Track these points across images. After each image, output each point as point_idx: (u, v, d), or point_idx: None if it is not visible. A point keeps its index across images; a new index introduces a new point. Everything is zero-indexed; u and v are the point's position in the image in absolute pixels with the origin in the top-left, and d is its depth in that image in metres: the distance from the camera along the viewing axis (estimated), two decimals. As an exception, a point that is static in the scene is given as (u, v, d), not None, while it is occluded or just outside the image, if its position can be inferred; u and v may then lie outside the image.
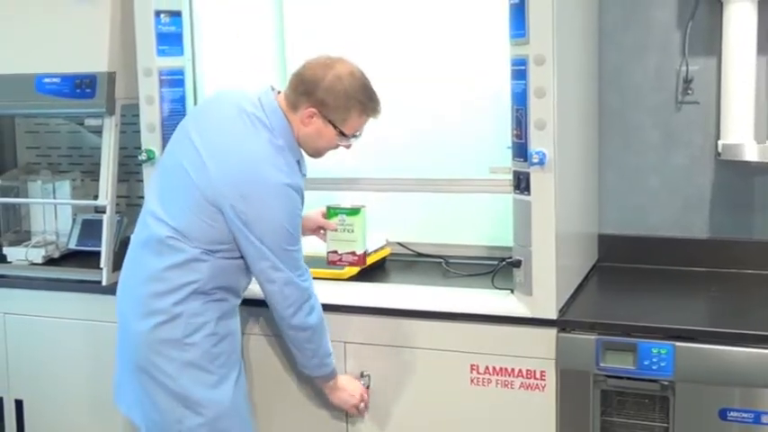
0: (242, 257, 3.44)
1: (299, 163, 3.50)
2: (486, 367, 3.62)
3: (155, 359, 3.38)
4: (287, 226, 3.37)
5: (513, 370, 3.58)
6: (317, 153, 3.60)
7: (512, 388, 3.59)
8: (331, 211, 3.99)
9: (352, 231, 3.97)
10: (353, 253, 3.99)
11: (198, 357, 3.39)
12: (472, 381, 3.64)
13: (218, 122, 3.49)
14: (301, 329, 3.49)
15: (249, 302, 3.73)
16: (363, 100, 3.46)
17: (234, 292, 3.54)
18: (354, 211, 3.97)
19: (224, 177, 3.34)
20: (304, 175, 3.54)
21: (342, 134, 3.49)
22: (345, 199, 4.07)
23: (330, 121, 3.44)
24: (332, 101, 3.41)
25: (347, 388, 3.73)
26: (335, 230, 3.99)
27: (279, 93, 3.54)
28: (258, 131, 3.40)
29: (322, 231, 4.02)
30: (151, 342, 3.38)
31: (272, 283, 3.41)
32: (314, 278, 3.64)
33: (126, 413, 3.64)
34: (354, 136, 3.55)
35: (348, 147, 3.61)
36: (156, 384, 3.40)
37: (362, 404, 3.76)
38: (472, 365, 3.63)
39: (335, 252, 4.00)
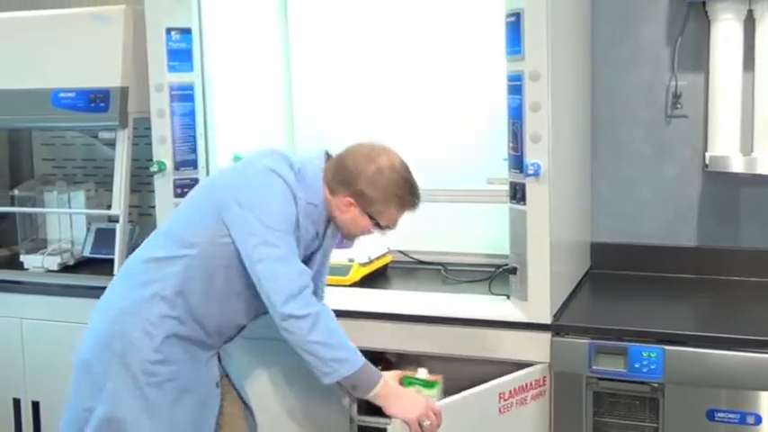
0: (213, 269, 3.20)
1: (318, 234, 3.35)
2: (510, 391, 3.52)
3: (100, 349, 3.23)
4: (282, 209, 3.14)
5: (526, 386, 3.54)
6: (350, 236, 3.45)
7: (526, 404, 3.56)
8: (407, 380, 3.53)
9: None
10: None
11: (134, 363, 3.16)
12: (500, 410, 3.56)
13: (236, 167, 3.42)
14: (296, 318, 3.05)
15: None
16: (403, 195, 3.26)
17: (197, 320, 3.23)
18: (431, 384, 3.54)
19: (230, 179, 3.29)
20: (318, 247, 3.39)
21: (378, 225, 3.31)
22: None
23: (367, 213, 3.27)
24: (371, 194, 3.22)
25: (402, 396, 3.25)
26: None
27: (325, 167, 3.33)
28: (278, 165, 3.24)
29: None
30: (106, 333, 3.23)
31: (262, 262, 3.08)
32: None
33: None
34: (389, 227, 3.35)
35: (383, 234, 3.45)
36: (86, 370, 3.26)
37: (428, 422, 3.19)
38: (500, 394, 3.55)
39: None
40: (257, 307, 3.25)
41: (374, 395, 3.17)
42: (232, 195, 3.17)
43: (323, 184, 3.28)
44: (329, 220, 3.36)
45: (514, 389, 3.51)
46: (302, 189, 3.23)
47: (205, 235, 3.19)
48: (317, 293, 3.43)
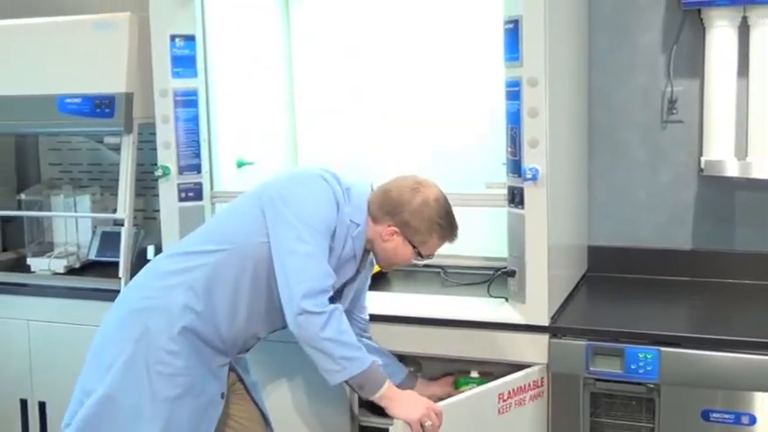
0: (243, 273, 3.22)
1: (356, 257, 3.37)
2: (509, 392, 3.51)
3: (117, 331, 3.25)
4: (321, 211, 3.21)
5: (524, 386, 3.54)
6: (388, 266, 3.54)
7: (524, 405, 3.55)
8: (461, 381, 3.69)
9: None
10: None
11: (149, 347, 3.16)
12: (499, 411, 3.56)
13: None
14: (310, 314, 3.07)
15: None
16: (445, 226, 3.37)
17: (216, 321, 3.23)
18: (483, 381, 3.60)
19: (278, 181, 3.35)
20: (355, 276, 3.42)
21: (419, 254, 3.40)
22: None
23: (410, 242, 3.35)
24: (416, 224, 3.32)
25: (404, 397, 3.24)
26: None
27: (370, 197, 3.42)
28: (332, 179, 3.33)
29: None
30: (125, 317, 3.26)
31: (293, 255, 3.14)
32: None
33: None
34: (429, 256, 3.46)
35: (421, 262, 3.53)
36: (98, 351, 3.27)
37: (429, 422, 3.19)
38: (499, 395, 3.52)
39: None
40: (277, 319, 3.25)
41: (379, 396, 3.18)
42: (277, 191, 3.26)
43: (365, 202, 3.37)
44: (367, 249, 3.41)
45: (513, 390, 3.50)
46: (348, 205, 3.31)
47: (245, 233, 3.25)
48: (360, 327, 3.58)
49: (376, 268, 3.68)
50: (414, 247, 3.37)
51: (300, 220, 3.16)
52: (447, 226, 3.38)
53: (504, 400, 3.50)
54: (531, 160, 3.47)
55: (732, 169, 3.94)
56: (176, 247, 3.45)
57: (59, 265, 4.61)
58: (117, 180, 4.39)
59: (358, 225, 3.33)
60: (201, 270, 3.22)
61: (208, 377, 3.26)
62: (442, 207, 3.36)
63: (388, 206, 3.33)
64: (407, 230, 3.33)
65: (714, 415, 3.30)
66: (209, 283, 3.21)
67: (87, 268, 4.68)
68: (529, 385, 3.55)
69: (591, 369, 3.45)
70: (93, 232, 4.75)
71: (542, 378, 3.56)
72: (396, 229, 3.33)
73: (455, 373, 3.74)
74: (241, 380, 3.48)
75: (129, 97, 4.26)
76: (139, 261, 4.04)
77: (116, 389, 3.18)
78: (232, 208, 3.45)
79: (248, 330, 3.32)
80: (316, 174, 3.30)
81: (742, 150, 3.97)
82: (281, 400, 3.91)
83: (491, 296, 3.78)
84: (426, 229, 3.33)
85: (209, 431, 3.29)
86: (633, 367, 3.38)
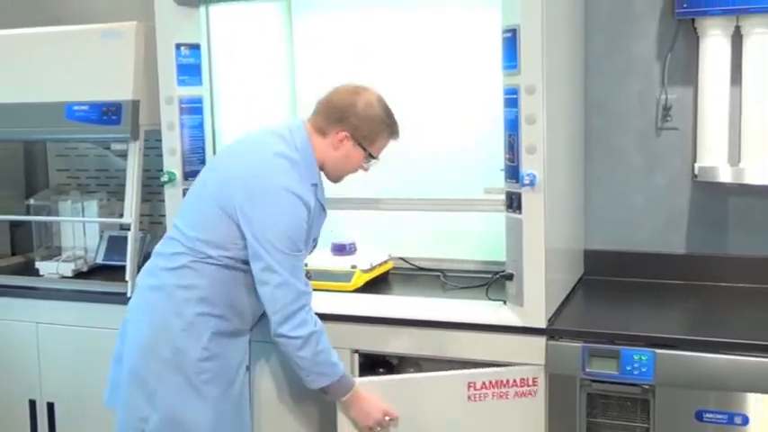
0: (242, 270, 3.35)
1: (316, 186, 3.44)
2: (483, 383, 3.57)
3: (145, 354, 3.31)
4: (287, 231, 3.26)
5: (507, 381, 3.57)
6: (338, 177, 3.59)
7: (507, 399, 3.58)
8: None
9: None
10: None
11: (184, 365, 3.28)
12: (470, 398, 3.60)
13: (238, 142, 3.54)
14: (287, 338, 3.27)
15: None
16: (390, 123, 3.52)
17: (237, 312, 3.40)
18: None
19: (234, 177, 3.33)
20: (321, 203, 3.49)
21: (369, 156, 3.52)
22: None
23: (360, 145, 3.47)
24: (364, 125, 3.44)
25: (364, 406, 3.49)
26: None
27: (305, 121, 3.53)
28: (276, 142, 3.38)
29: None
30: (144, 340, 3.32)
31: (264, 285, 3.26)
32: (320, 290, 3.66)
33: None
34: (377, 157, 3.57)
35: (367, 169, 3.61)
36: (138, 382, 3.32)
37: (379, 428, 3.52)
38: (470, 384, 3.60)
39: None
40: None
41: (341, 401, 3.49)
42: (243, 211, 3.27)
43: (305, 132, 3.45)
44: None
45: (490, 382, 3.56)
46: (307, 174, 3.38)
47: (222, 249, 3.31)
48: None
49: (371, 275, 3.73)
50: (364, 149, 3.49)
51: (270, 247, 3.24)
52: (393, 124, 3.54)
53: (477, 389, 3.56)
54: (528, 166, 3.48)
55: (725, 175, 3.94)
56: (171, 248, 3.43)
57: (67, 269, 4.62)
58: (123, 186, 4.39)
59: (315, 185, 3.43)
60: (203, 281, 3.32)
61: (237, 358, 3.45)
62: (384, 106, 3.51)
63: (334, 113, 3.45)
64: (357, 132, 3.45)
65: (707, 415, 3.30)
66: (216, 290, 3.33)
67: (94, 272, 4.69)
68: (514, 381, 3.56)
69: (587, 370, 3.45)
70: (101, 236, 4.76)
71: (534, 378, 3.55)
72: (346, 133, 3.44)
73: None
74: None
75: (135, 104, 4.26)
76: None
77: (170, 412, 3.30)
78: (202, 207, 3.41)
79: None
80: (281, 189, 3.28)
81: (735, 157, 3.98)
82: (281, 401, 3.92)
83: (490, 299, 3.77)
84: (375, 129, 3.48)
85: (247, 404, 3.55)
86: (628, 369, 3.38)
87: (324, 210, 3.53)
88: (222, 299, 3.34)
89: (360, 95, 3.46)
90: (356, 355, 3.80)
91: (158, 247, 3.51)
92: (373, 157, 3.55)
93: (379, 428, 3.52)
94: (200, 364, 3.29)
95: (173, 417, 3.30)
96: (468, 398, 3.58)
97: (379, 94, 3.53)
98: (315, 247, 3.64)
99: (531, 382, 3.56)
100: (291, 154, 3.36)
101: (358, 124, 3.43)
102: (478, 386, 3.58)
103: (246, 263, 3.32)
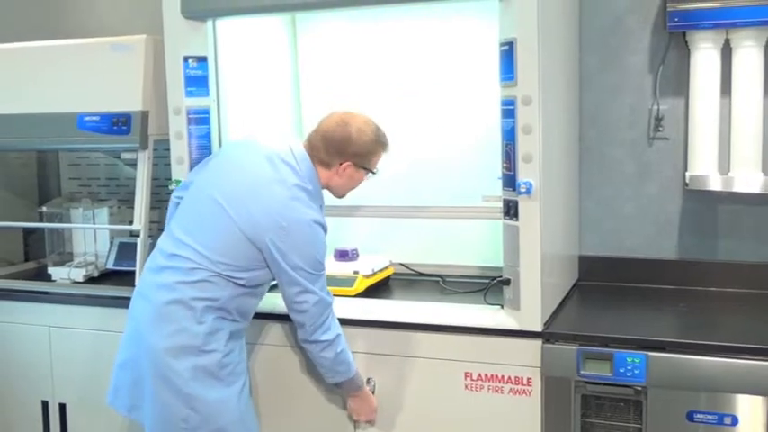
0: (257, 287, 3.52)
1: (322, 207, 3.55)
2: (479, 374, 3.62)
3: (172, 363, 3.36)
4: (317, 255, 3.44)
5: (502, 377, 3.60)
6: (344, 195, 3.73)
7: (502, 393, 3.60)
8: None
9: None
10: None
11: (211, 364, 3.39)
12: (466, 386, 3.65)
13: (250, 165, 3.53)
14: (317, 343, 3.50)
15: (260, 315, 3.80)
16: (382, 141, 3.63)
17: (245, 317, 3.57)
18: None
19: (265, 214, 3.38)
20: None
21: (370, 172, 3.65)
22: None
23: (362, 167, 3.60)
24: (362, 151, 3.56)
25: (366, 401, 3.77)
26: None
27: (306, 144, 3.61)
28: (290, 174, 3.46)
29: None
30: (169, 348, 3.37)
31: (302, 305, 3.44)
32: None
33: (126, 414, 3.64)
34: (376, 172, 3.69)
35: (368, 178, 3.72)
36: (169, 386, 3.38)
37: (367, 421, 3.85)
38: (466, 373, 3.64)
39: None
40: None
41: (350, 396, 3.75)
42: (276, 247, 3.39)
43: (309, 160, 3.55)
44: None
45: (486, 374, 3.62)
46: (318, 200, 3.54)
47: (244, 273, 3.44)
48: None
49: (373, 281, 3.76)
50: (366, 169, 3.64)
51: (305, 274, 3.42)
52: (384, 139, 3.65)
53: (474, 380, 3.63)
54: (525, 175, 3.48)
55: (715, 183, 3.95)
56: (180, 265, 3.45)
57: (79, 274, 4.62)
58: (133, 193, 4.39)
59: (321, 206, 3.58)
60: (224, 293, 3.42)
61: (243, 355, 3.63)
62: (373, 127, 3.61)
63: (333, 148, 3.55)
64: (359, 160, 3.58)
65: (698, 416, 3.31)
66: (233, 301, 3.46)
67: (105, 277, 4.70)
68: (509, 378, 3.58)
69: (582, 372, 3.45)
70: (111, 243, 4.76)
71: (529, 378, 3.56)
72: (349, 163, 3.56)
73: None
74: None
75: (144, 115, 4.26)
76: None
77: (208, 407, 3.41)
78: (225, 234, 3.44)
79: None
80: (310, 223, 3.42)
81: (725, 166, 3.98)
82: (287, 408, 3.92)
83: (487, 303, 3.78)
84: (372, 151, 3.61)
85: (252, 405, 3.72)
86: (622, 371, 3.38)
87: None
88: (236, 306, 3.47)
89: (349, 125, 3.55)
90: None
91: (162, 261, 3.50)
92: (374, 173, 3.68)
93: (367, 421, 3.83)
94: (224, 360, 3.42)
95: (210, 414, 3.40)
96: (466, 386, 3.65)
97: (365, 117, 3.62)
98: None
99: (525, 382, 3.57)
100: (306, 185, 3.47)
101: (357, 152, 3.55)
102: (475, 377, 3.63)
103: (260, 285, 3.53)
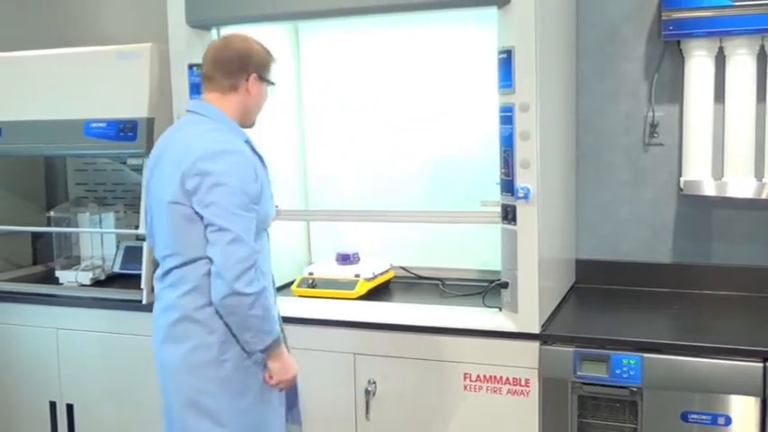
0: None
1: (249, 143, 3.30)
2: (478, 376, 3.63)
3: (195, 383, 3.19)
4: (237, 188, 3.08)
5: (501, 378, 3.60)
6: (253, 119, 3.45)
7: (500, 394, 3.61)
8: None
9: None
10: None
11: (231, 372, 3.19)
12: (465, 387, 3.66)
13: (166, 150, 3.31)
14: (242, 295, 3.04)
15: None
16: (268, 50, 3.42)
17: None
18: None
19: (176, 168, 3.13)
20: (260, 155, 3.34)
21: (271, 84, 3.42)
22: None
23: (264, 79, 3.37)
24: (262, 61, 3.35)
25: (286, 361, 3.31)
26: None
27: (201, 98, 3.36)
28: (198, 124, 3.26)
29: None
30: (189, 367, 3.20)
31: (215, 245, 3.06)
32: (325, 297, 3.66)
33: None
34: (275, 83, 3.46)
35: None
36: (195, 409, 3.20)
37: (282, 386, 3.36)
38: (465, 374, 3.65)
39: None
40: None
41: (269, 354, 3.23)
42: (197, 199, 3.10)
43: (213, 106, 3.30)
44: None
45: (484, 376, 3.62)
46: (236, 134, 3.28)
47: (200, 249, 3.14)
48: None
49: (373, 284, 3.73)
50: (267, 81, 3.39)
51: (220, 211, 3.07)
52: (270, 50, 3.43)
53: (473, 381, 3.63)
54: (522, 180, 3.50)
55: (709, 189, 3.95)
56: (173, 281, 3.29)
57: (86, 278, 4.63)
58: (139, 198, 4.40)
59: (247, 141, 3.31)
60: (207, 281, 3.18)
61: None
62: (252, 39, 3.39)
63: (233, 66, 3.31)
64: (261, 70, 3.35)
65: (692, 416, 3.32)
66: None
67: (112, 280, 4.70)
68: (506, 379, 3.60)
69: (578, 374, 3.46)
70: (117, 247, 4.76)
71: (527, 379, 3.58)
72: (255, 75, 3.32)
73: None
74: None
75: (150, 122, 4.27)
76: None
77: (239, 416, 3.22)
78: (166, 225, 3.24)
79: None
80: (216, 152, 3.12)
81: (718, 171, 3.99)
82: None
83: (486, 306, 3.79)
84: (268, 58, 3.39)
85: None
86: (618, 372, 3.39)
87: (264, 165, 3.37)
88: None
89: (233, 42, 3.35)
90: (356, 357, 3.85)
91: (163, 284, 3.35)
92: (273, 83, 3.44)
93: (281, 385, 3.32)
94: (242, 364, 3.21)
95: (245, 422, 3.24)
96: (465, 387, 3.66)
97: (239, 33, 3.43)
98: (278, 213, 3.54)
99: (523, 383, 3.58)
100: (214, 125, 3.25)
101: (257, 62, 3.33)
102: (473, 378, 3.63)
103: None
